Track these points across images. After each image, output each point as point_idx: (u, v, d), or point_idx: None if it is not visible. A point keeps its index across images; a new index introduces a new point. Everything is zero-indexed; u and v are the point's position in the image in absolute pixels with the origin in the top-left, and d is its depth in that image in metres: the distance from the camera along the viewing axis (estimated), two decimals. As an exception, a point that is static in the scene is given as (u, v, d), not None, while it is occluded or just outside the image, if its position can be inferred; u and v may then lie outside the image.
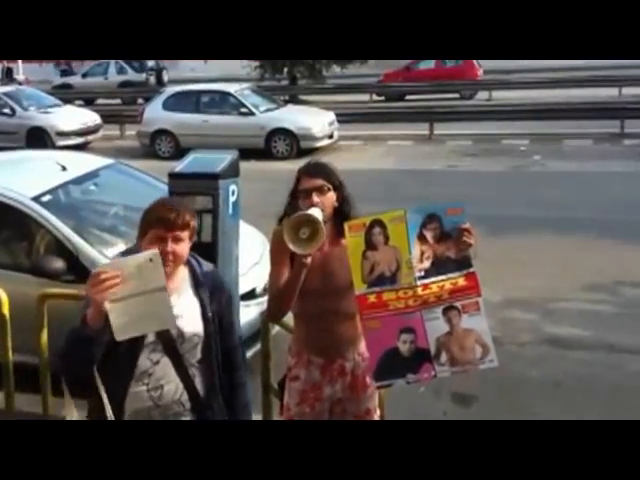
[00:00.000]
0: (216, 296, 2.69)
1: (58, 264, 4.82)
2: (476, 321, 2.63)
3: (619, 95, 20.14)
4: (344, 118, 16.37)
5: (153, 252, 2.31)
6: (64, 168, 5.73)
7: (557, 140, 15.18)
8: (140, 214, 6.15)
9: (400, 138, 16.45)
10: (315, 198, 2.88)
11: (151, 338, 2.52)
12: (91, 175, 6.02)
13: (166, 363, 2.56)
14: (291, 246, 2.67)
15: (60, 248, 4.96)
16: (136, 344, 2.48)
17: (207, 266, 2.77)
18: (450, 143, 15.75)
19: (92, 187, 6.08)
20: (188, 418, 2.63)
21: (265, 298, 3.02)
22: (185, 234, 2.53)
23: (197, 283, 2.66)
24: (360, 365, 3.09)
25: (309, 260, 2.75)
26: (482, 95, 22.59)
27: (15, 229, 5.43)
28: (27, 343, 4.42)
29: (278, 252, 2.92)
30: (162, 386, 2.56)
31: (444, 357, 2.65)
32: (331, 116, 15.73)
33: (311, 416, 3.09)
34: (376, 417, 3.19)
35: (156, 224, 2.48)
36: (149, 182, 6.45)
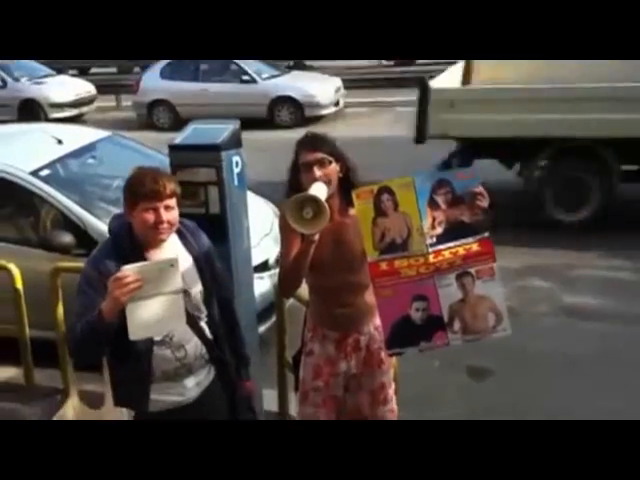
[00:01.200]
0: (200, 246, 2.94)
1: (67, 238, 4.97)
2: (490, 287, 2.68)
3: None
4: (351, 84, 16.28)
5: (174, 258, 2.53)
6: (60, 142, 5.80)
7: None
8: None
9: (410, 104, 16.32)
10: (317, 172, 2.91)
11: None
12: (88, 148, 6.09)
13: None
14: (295, 227, 2.73)
15: (67, 222, 5.10)
16: None
17: (192, 226, 3.01)
18: (462, 108, 15.67)
19: (90, 160, 6.15)
20: (207, 369, 2.94)
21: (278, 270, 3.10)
22: (174, 201, 2.74)
23: (186, 243, 2.90)
24: (375, 339, 3.16)
25: (317, 237, 2.80)
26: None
27: (17, 204, 5.54)
28: (41, 317, 4.61)
29: (287, 227, 2.95)
30: (183, 345, 2.81)
31: (457, 325, 2.71)
32: (337, 82, 15.66)
33: (326, 391, 3.18)
34: (391, 391, 3.27)
35: (146, 197, 2.67)
36: (147, 154, 6.50)
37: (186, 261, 2.84)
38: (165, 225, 2.69)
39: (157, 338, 2.73)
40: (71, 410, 2.97)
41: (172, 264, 2.48)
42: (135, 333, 2.46)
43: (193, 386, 2.88)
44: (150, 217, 2.67)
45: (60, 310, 4.63)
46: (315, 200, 2.71)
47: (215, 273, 2.99)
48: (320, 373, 3.18)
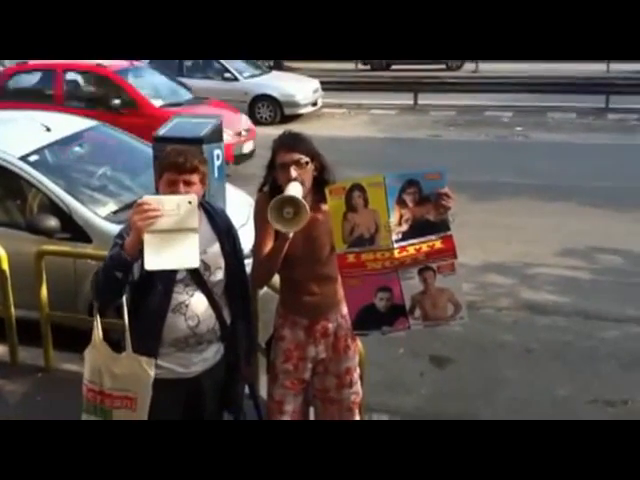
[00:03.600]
0: (230, 235, 3.04)
1: (53, 222, 4.95)
2: (450, 281, 2.76)
3: (607, 70, 20.04)
4: (329, 86, 16.32)
5: (192, 195, 2.61)
6: (48, 129, 5.79)
7: (541, 113, 15.27)
8: (127, 175, 6.29)
9: (384, 107, 16.46)
10: (293, 172, 2.93)
11: (183, 273, 2.84)
12: (76, 136, 6.09)
13: (199, 296, 2.90)
14: (276, 226, 2.77)
15: (53, 207, 5.08)
16: (170, 279, 2.84)
17: (218, 208, 3.12)
18: (434, 113, 15.80)
19: (77, 148, 6.15)
20: (217, 345, 3.01)
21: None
22: (195, 177, 2.80)
23: (213, 222, 2.97)
24: (343, 326, 3.22)
25: (291, 234, 2.84)
26: (469, 67, 22.48)
27: (5, 188, 5.51)
28: (25, 298, 4.66)
29: (261, 221, 2.99)
30: (198, 316, 2.89)
31: (418, 312, 2.80)
32: (315, 84, 15.71)
33: (294, 374, 3.23)
34: (356, 375, 3.33)
35: (168, 168, 2.77)
36: (132, 144, 6.52)
37: (211, 238, 2.92)
38: None
39: (172, 304, 2.82)
40: (96, 353, 3.00)
41: (190, 201, 2.55)
42: (150, 263, 2.53)
43: (199, 361, 2.95)
44: (168, 189, 2.74)
45: (44, 291, 4.64)
46: (295, 200, 2.75)
47: (238, 256, 3.06)
48: (290, 357, 3.23)
